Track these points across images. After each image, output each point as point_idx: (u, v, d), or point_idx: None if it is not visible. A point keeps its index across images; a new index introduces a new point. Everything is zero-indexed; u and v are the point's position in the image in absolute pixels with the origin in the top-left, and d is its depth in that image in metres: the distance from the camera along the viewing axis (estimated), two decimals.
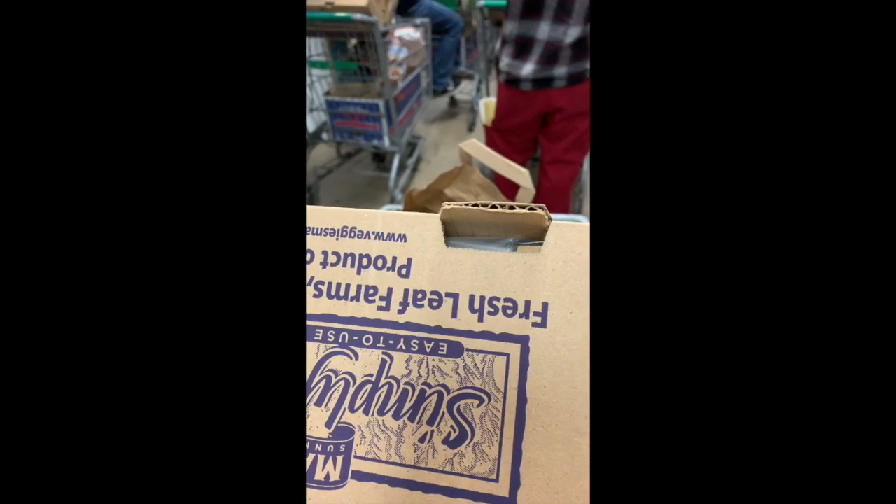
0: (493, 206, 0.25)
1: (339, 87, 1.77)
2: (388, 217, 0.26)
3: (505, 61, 1.08)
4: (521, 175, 0.52)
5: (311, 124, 1.81)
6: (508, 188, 0.63)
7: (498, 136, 1.26)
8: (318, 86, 1.80)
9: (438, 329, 0.25)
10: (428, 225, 0.26)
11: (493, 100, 1.36)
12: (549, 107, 1.11)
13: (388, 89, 1.62)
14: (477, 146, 0.55)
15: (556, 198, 1.29)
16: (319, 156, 2.23)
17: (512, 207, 0.25)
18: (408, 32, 1.87)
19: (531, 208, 0.25)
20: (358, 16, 1.42)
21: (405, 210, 0.64)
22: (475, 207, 0.25)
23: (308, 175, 1.87)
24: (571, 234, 0.25)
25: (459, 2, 2.61)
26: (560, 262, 0.25)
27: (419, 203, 0.65)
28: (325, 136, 1.86)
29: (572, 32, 0.96)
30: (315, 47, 1.78)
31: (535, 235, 0.26)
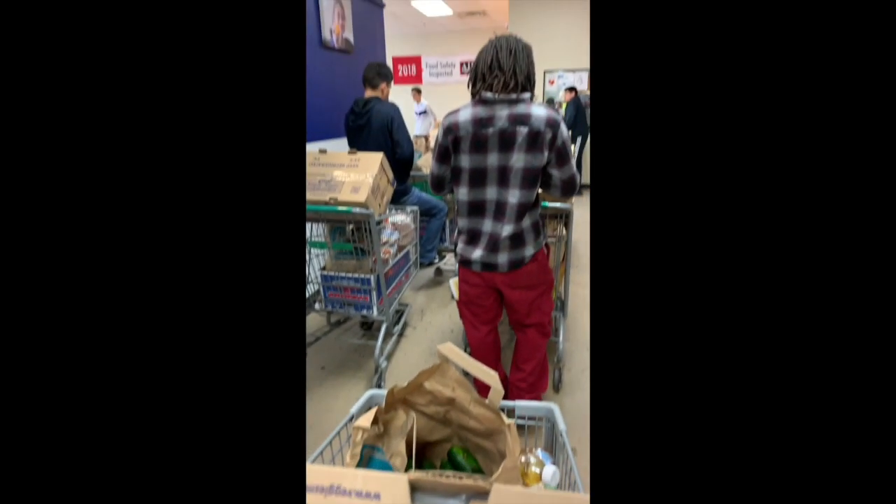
0: (448, 476, 0.33)
1: (334, 263, 1.95)
2: (367, 477, 0.33)
3: (460, 247, 1.39)
4: (490, 377, 0.60)
5: (305, 293, 1.94)
6: (483, 385, 0.70)
7: (465, 308, 1.50)
8: (316, 262, 1.99)
9: None
10: (398, 485, 0.33)
11: None
12: (495, 285, 1.38)
13: (379, 266, 1.80)
14: (452, 349, 0.64)
15: (532, 351, 1.49)
16: (309, 323, 2.32)
17: (460, 477, 0.33)
18: (400, 218, 2.15)
19: (477, 477, 0.33)
20: (357, 209, 1.67)
21: (386, 402, 0.70)
22: (436, 478, 0.33)
23: None
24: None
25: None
26: None
27: (399, 397, 0.71)
28: (317, 305, 1.98)
29: (507, 228, 1.27)
30: (316, 229, 2.03)
31: (483, 492, 0.34)
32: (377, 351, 1.82)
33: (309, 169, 1.77)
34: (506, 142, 1.21)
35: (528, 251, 1.32)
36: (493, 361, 1.55)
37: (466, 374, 0.72)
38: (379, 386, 1.85)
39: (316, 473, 0.32)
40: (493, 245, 1.30)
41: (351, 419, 0.78)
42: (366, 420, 0.62)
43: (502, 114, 1.20)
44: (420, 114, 6.53)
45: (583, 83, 5.89)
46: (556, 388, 1.82)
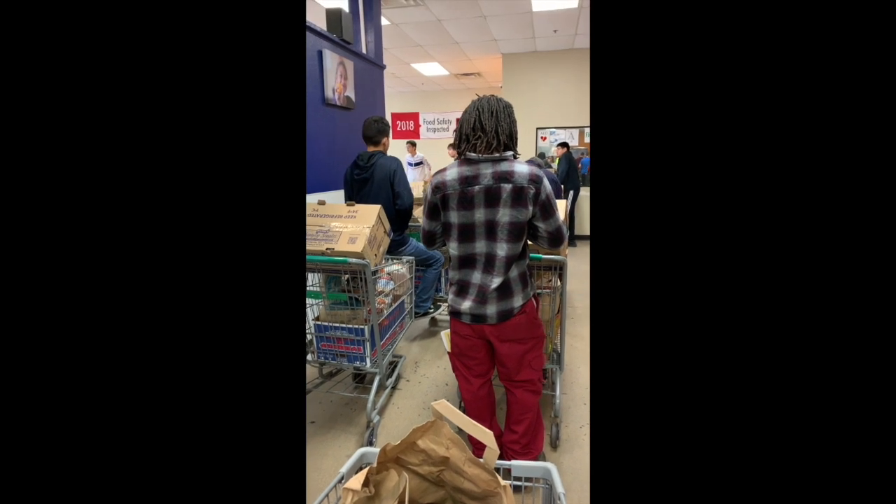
0: None
1: (329, 313, 1.94)
2: None
3: (451, 298, 1.41)
4: (485, 435, 0.59)
5: None
6: (478, 442, 0.69)
7: (457, 360, 1.49)
8: (310, 311, 1.97)
9: None
10: None
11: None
12: (484, 337, 1.39)
13: (374, 316, 1.79)
14: (446, 406, 0.63)
15: (524, 411, 1.45)
16: None
17: None
18: (396, 268, 2.16)
19: None
20: (353, 259, 1.69)
21: (378, 461, 0.68)
22: None
23: None
24: None
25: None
26: None
27: (392, 455, 0.69)
28: (309, 356, 1.94)
29: (496, 280, 1.30)
30: (312, 279, 2.03)
31: None
32: (369, 405, 1.77)
33: (307, 220, 1.80)
34: (491, 198, 1.27)
35: (517, 302, 1.33)
36: (487, 416, 1.51)
37: (460, 430, 0.70)
38: (371, 442, 1.77)
39: None
40: (482, 296, 1.32)
41: (341, 480, 0.75)
42: (356, 482, 0.60)
43: (487, 172, 1.26)
44: (415, 165, 6.76)
45: (573, 139, 6.14)
46: (554, 446, 1.76)
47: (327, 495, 0.72)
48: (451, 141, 6.56)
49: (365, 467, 0.66)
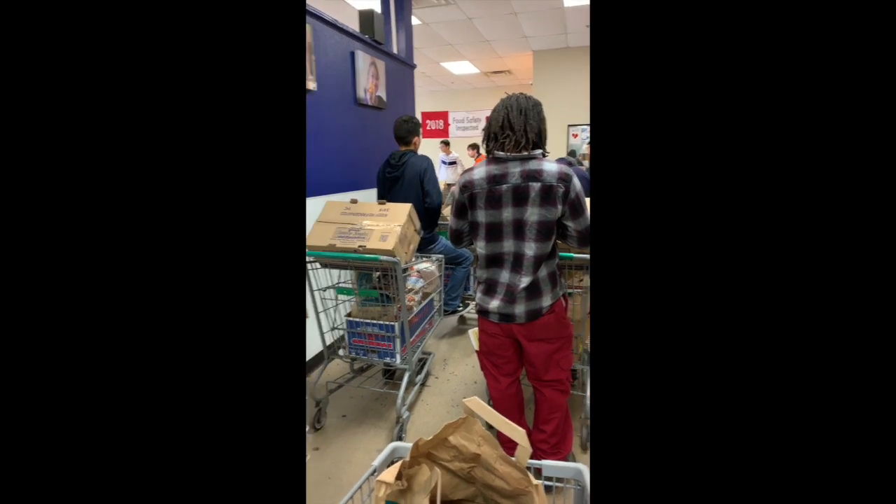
0: None
1: (360, 309, 1.98)
2: None
3: (479, 297, 1.41)
4: (518, 433, 0.59)
5: (329, 339, 1.95)
6: (509, 440, 0.69)
7: (485, 359, 1.48)
8: (342, 307, 2.01)
9: None
10: None
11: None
12: (513, 336, 1.37)
13: (404, 314, 1.81)
14: (479, 403, 0.63)
15: (552, 410, 1.44)
16: (332, 370, 2.31)
17: None
18: (425, 266, 2.18)
19: None
20: (384, 257, 1.71)
21: (411, 456, 0.69)
22: None
23: (319, 389, 1.92)
24: None
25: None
26: None
27: (424, 450, 0.70)
28: (341, 351, 1.98)
29: (524, 279, 1.29)
30: (343, 275, 2.07)
31: None
32: (399, 400, 1.79)
33: (340, 218, 1.83)
34: (519, 197, 1.26)
35: (546, 301, 1.32)
36: (516, 415, 1.50)
37: (491, 428, 0.70)
38: (400, 437, 1.80)
39: None
40: (511, 296, 1.32)
41: (373, 473, 0.76)
42: (389, 475, 0.61)
43: (515, 170, 1.26)
44: (449, 164, 6.80)
45: None
46: (584, 447, 1.73)
47: (360, 487, 0.74)
48: (471, 142, 6.58)
49: (396, 461, 0.67)
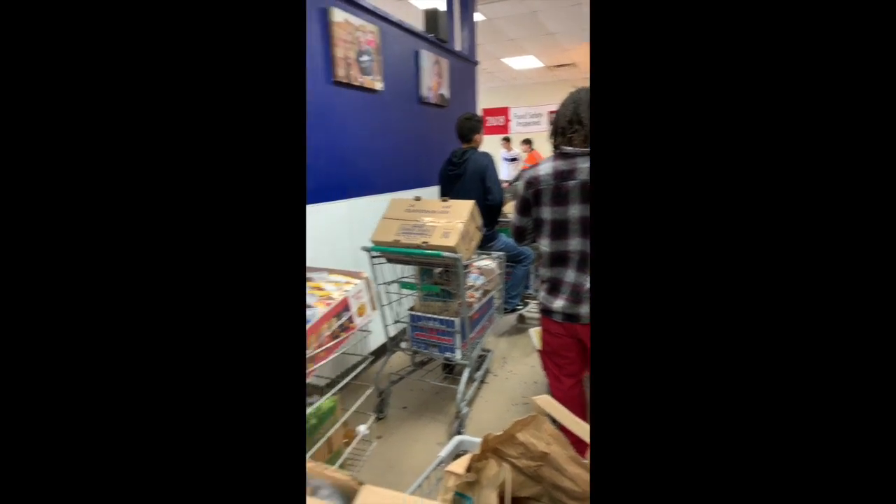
0: None
1: (422, 304, 2.02)
2: None
3: (542, 296, 1.37)
4: (586, 432, 0.57)
5: (392, 332, 2.01)
6: (578, 442, 0.67)
7: (547, 359, 1.44)
8: (405, 301, 2.07)
9: None
10: None
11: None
12: (577, 336, 1.32)
13: (464, 309, 1.82)
14: (548, 401, 0.63)
15: None
16: (394, 362, 2.38)
17: None
18: (486, 263, 2.18)
19: None
20: (446, 253, 1.73)
21: (481, 450, 0.69)
22: None
23: (382, 379, 1.98)
24: None
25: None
26: None
27: (492, 445, 0.70)
28: (403, 344, 2.04)
29: (590, 279, 1.23)
30: (406, 270, 2.12)
31: None
32: (459, 395, 1.81)
33: (404, 215, 1.88)
34: (587, 194, 1.21)
35: None
36: (579, 418, 1.47)
37: (561, 428, 0.69)
38: (459, 432, 1.82)
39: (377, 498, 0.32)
40: (576, 296, 1.28)
41: (440, 463, 0.78)
42: (459, 466, 0.62)
43: (583, 166, 1.21)
44: (510, 160, 6.74)
45: None
46: None
47: (428, 476, 0.76)
48: (542, 134, 6.45)
49: (461, 454, 0.68)
